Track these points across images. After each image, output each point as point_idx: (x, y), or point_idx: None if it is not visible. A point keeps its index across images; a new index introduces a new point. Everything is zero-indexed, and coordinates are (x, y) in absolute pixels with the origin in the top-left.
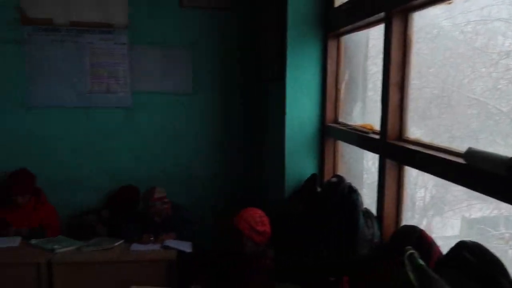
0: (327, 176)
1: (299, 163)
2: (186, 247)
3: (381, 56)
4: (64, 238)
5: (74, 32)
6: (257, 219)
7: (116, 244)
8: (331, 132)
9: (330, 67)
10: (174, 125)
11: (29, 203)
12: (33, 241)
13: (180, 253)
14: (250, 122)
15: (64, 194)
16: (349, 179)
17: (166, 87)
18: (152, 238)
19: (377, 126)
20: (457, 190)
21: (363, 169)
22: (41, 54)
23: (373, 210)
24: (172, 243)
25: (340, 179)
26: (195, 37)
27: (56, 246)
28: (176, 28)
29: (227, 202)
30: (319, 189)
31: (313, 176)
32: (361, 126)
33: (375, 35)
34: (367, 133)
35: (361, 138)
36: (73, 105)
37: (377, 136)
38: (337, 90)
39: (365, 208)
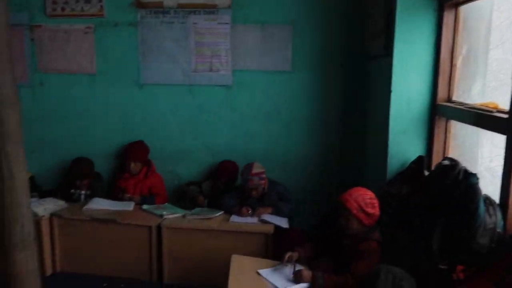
0: (436, 159)
1: (404, 144)
2: (282, 222)
3: (506, 27)
4: (170, 206)
5: (181, 14)
6: (368, 200)
7: (217, 214)
8: (443, 111)
9: (445, 40)
10: (271, 103)
11: (141, 172)
12: (145, 207)
13: (277, 227)
14: (350, 101)
15: (170, 165)
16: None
17: (265, 65)
18: (250, 212)
19: (503, 105)
20: None
21: (478, 153)
22: (152, 35)
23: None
24: (269, 217)
25: (454, 162)
26: (296, 14)
27: (164, 212)
28: (277, 6)
29: (323, 182)
30: (426, 172)
31: (419, 158)
32: (481, 105)
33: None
34: (491, 112)
35: (483, 118)
36: (179, 83)
37: (504, 115)
38: (452, 65)
39: (485, 194)
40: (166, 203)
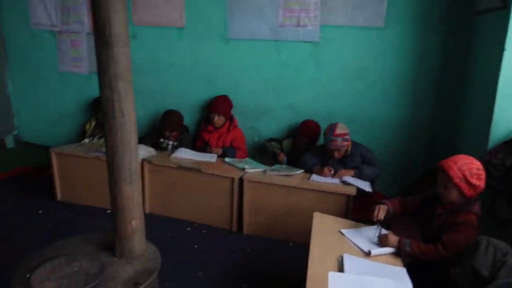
0: None
1: None
2: (365, 186)
3: None
4: (251, 161)
5: None
6: (474, 170)
7: (297, 172)
8: None
9: None
10: (359, 62)
11: (224, 126)
12: (227, 159)
13: (359, 190)
14: (448, 61)
15: (251, 122)
16: None
17: (356, 21)
18: (332, 172)
19: None
20: None
21: None
22: None
23: None
24: (350, 179)
25: None
26: None
27: (246, 166)
28: None
29: (410, 146)
30: None
31: None
32: None
33: None
34: None
35: None
36: (265, 38)
37: None
38: None
39: None
40: (247, 158)
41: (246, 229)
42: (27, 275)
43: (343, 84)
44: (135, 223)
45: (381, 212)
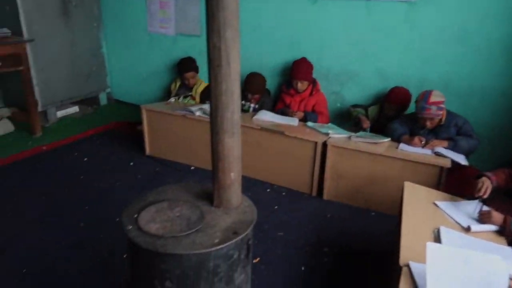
0: None
1: None
2: (460, 159)
3: None
4: (334, 126)
5: None
6: None
7: (384, 140)
8: None
9: None
10: (461, 22)
11: (306, 90)
12: (309, 124)
13: (453, 163)
14: None
15: (335, 86)
16: None
17: None
18: (423, 142)
19: None
20: None
21: None
22: None
23: None
24: (444, 151)
25: None
26: None
27: (330, 131)
28: None
29: None
30: None
31: None
32: None
33: None
34: None
35: None
36: None
37: None
38: None
39: None
40: (330, 123)
41: (326, 194)
42: (135, 216)
43: (441, 49)
44: (234, 175)
45: (488, 189)
